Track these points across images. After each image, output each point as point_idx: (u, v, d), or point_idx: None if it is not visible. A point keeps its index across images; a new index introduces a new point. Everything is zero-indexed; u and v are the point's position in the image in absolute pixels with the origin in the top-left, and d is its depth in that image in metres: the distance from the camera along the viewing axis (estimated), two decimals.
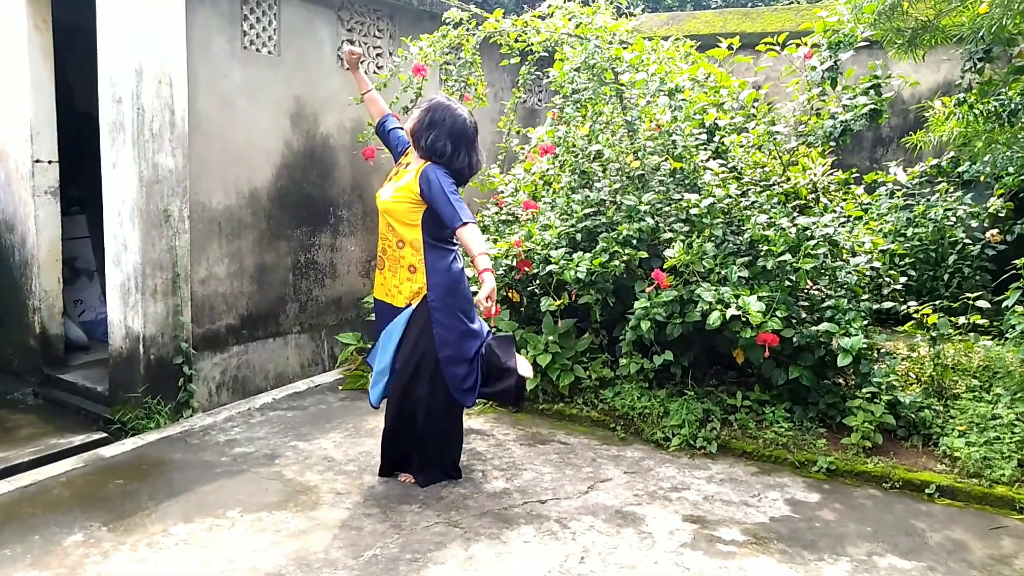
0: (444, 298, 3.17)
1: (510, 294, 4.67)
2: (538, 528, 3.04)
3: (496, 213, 5.15)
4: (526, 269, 4.47)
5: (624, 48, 4.51)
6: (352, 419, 4.19)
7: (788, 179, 4.67)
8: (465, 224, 3.03)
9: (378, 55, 5.37)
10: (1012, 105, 4.14)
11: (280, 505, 3.16)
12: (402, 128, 3.49)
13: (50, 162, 4.54)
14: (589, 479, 3.50)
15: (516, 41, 4.72)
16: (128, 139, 3.90)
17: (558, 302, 4.30)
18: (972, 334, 4.38)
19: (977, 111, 4.31)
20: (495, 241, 4.83)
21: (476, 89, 4.71)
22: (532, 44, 4.61)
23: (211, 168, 4.33)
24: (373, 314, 4.93)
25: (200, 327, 4.37)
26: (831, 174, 5.09)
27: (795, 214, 4.25)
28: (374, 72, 5.27)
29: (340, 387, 4.75)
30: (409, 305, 3.20)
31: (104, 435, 3.91)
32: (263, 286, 4.73)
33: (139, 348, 4.03)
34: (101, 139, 4.01)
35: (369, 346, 5.06)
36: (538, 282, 4.56)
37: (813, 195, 4.73)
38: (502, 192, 5.25)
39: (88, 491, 3.24)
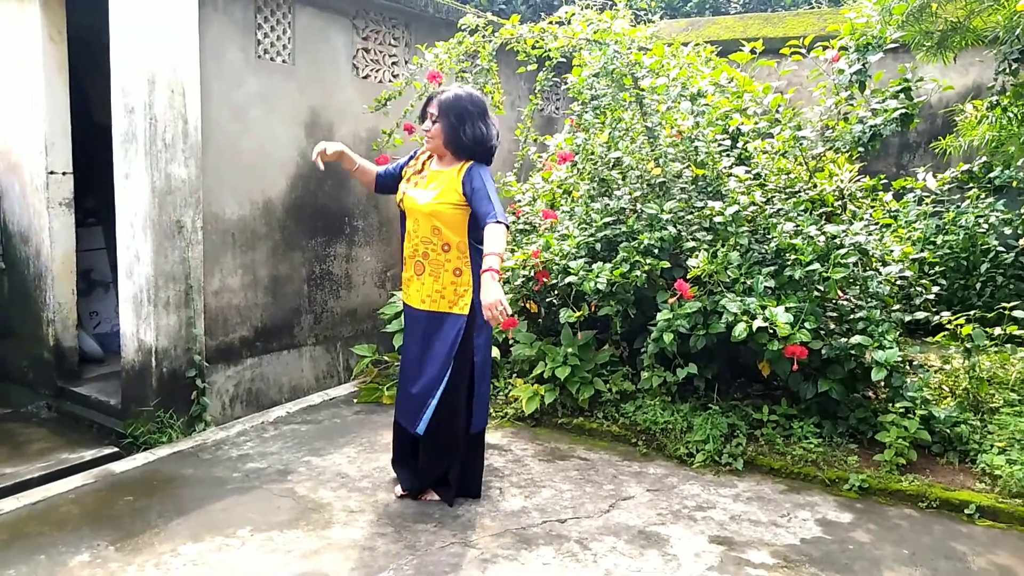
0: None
1: (528, 305, 4.57)
2: (558, 549, 2.92)
3: (513, 223, 5.06)
4: (544, 280, 4.37)
5: (644, 53, 4.41)
6: (367, 433, 4.10)
7: (814, 186, 4.53)
8: (499, 223, 2.93)
9: (393, 63, 5.31)
10: None
11: (292, 524, 3.07)
12: (389, 166, 3.38)
13: (64, 173, 4.51)
14: (610, 497, 3.38)
15: (533, 48, 4.64)
16: (140, 149, 3.85)
17: (577, 313, 4.19)
18: (1008, 345, 4.20)
19: (1012, 114, 4.17)
20: (512, 251, 4.73)
21: (493, 97, 4.63)
22: (550, 50, 4.53)
23: (224, 178, 4.28)
24: (390, 324, 4.87)
25: (213, 339, 4.30)
26: (858, 180, 4.95)
27: (822, 222, 4.12)
28: (389, 80, 5.21)
29: (355, 400, 4.67)
30: (451, 310, 3.12)
31: (115, 450, 3.85)
32: (277, 298, 4.66)
33: (151, 361, 3.97)
34: (114, 149, 3.96)
35: (385, 358, 4.98)
36: (557, 293, 4.46)
37: (840, 202, 4.59)
38: (519, 201, 5.16)
39: (97, 508, 3.17)
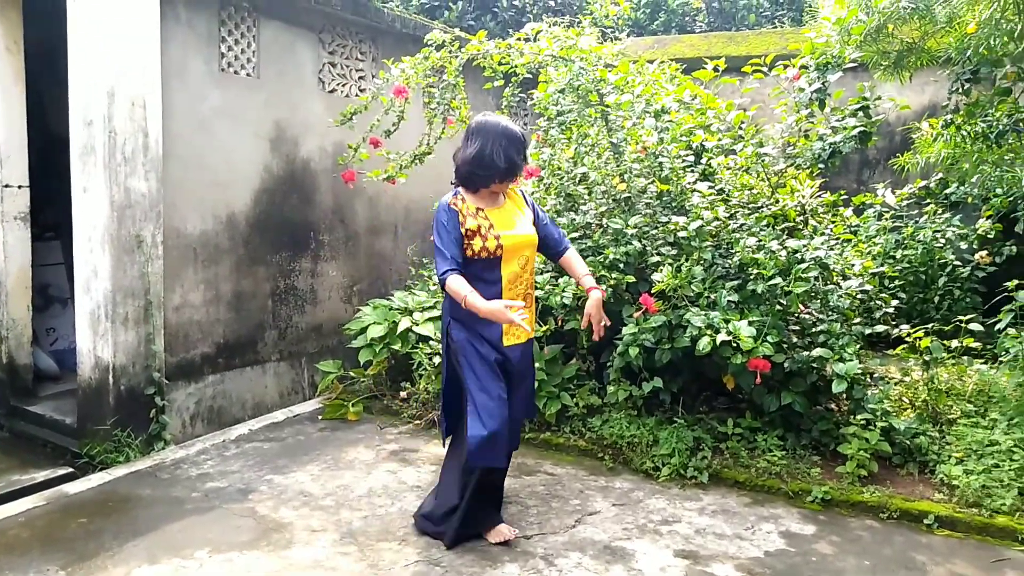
0: None
1: None
2: (523, 566, 2.90)
3: None
4: None
5: (609, 70, 4.46)
6: (331, 450, 4.04)
7: (776, 201, 4.60)
8: (568, 247, 3.21)
9: (361, 77, 5.30)
10: (999, 126, 4.11)
11: (252, 544, 3.01)
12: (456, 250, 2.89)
13: (20, 187, 4.41)
14: (577, 512, 3.37)
15: (500, 64, 4.66)
16: (99, 162, 3.78)
17: (544, 328, 4.19)
18: (965, 358, 4.30)
19: (965, 132, 4.27)
20: None
21: (460, 112, 4.63)
22: (516, 66, 4.55)
23: (187, 192, 4.22)
24: (355, 340, 4.79)
25: (174, 356, 4.22)
26: (819, 196, 5.04)
27: (784, 237, 4.18)
28: (356, 95, 5.20)
29: (320, 417, 4.60)
30: (533, 333, 3.19)
31: (70, 470, 3.75)
32: (241, 313, 4.60)
33: (109, 378, 3.88)
34: (72, 163, 3.89)
35: (351, 374, 4.92)
36: None
37: (802, 217, 4.67)
38: None
39: (48, 531, 3.07)
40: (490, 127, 2.93)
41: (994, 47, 3.67)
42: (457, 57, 4.46)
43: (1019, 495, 3.28)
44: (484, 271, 2.91)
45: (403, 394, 4.64)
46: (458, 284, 2.80)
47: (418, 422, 4.45)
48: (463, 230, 2.88)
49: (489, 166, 2.89)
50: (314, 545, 3.01)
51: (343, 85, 5.16)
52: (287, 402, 4.89)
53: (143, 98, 3.87)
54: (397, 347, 4.66)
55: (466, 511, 2.99)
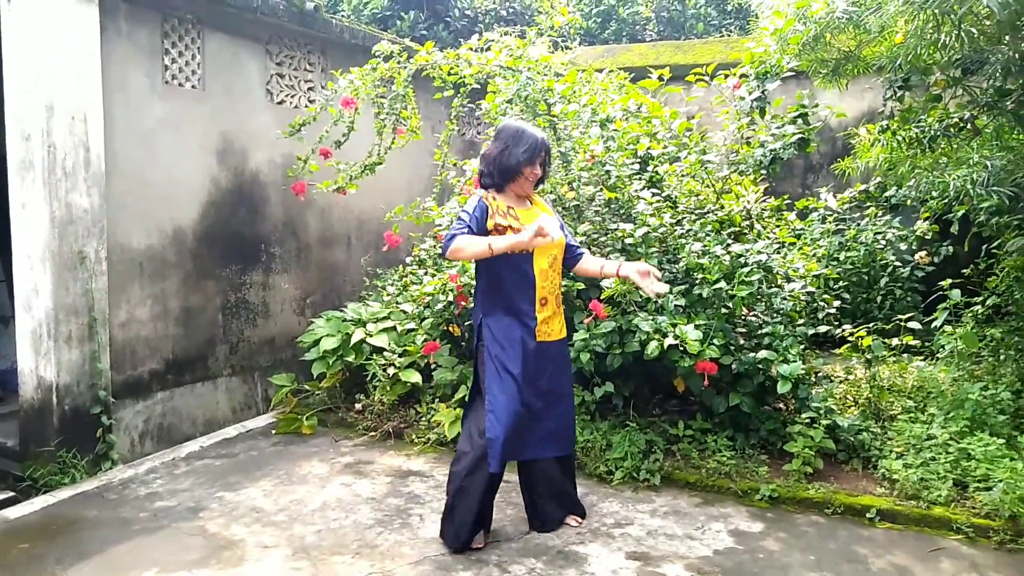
0: None
1: (450, 328, 4.58)
2: (477, 574, 2.91)
3: (432, 246, 5.07)
4: (464, 303, 4.38)
5: (557, 80, 4.51)
6: (284, 465, 4.00)
7: (722, 207, 4.71)
8: (584, 252, 3.29)
9: (310, 88, 5.27)
10: (931, 132, 4.27)
11: (201, 563, 2.96)
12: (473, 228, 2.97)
13: None
14: None
15: (449, 74, 4.68)
16: (38, 178, 3.70)
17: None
18: (905, 355, 4.44)
19: (900, 138, 4.43)
20: (432, 275, 4.73)
21: (410, 122, 4.65)
22: (464, 77, 4.58)
23: (131, 207, 4.15)
24: (309, 352, 4.76)
25: (121, 374, 4.14)
26: (764, 201, 5.17)
27: (729, 241, 4.28)
28: (306, 106, 5.17)
29: (273, 431, 4.55)
30: (563, 334, 3.21)
31: (11, 494, 3.65)
32: (190, 328, 4.53)
33: (52, 398, 3.79)
34: (9, 178, 3.80)
35: (305, 387, 4.88)
36: None
37: (747, 222, 4.78)
38: (439, 225, 5.17)
39: None
40: (511, 130, 3.07)
41: (921, 55, 3.82)
42: (406, 68, 4.47)
43: (954, 486, 3.40)
44: (517, 265, 3.00)
45: (358, 406, 4.62)
46: (471, 238, 2.86)
47: (373, 434, 4.44)
48: (491, 223, 2.96)
49: (512, 166, 3.01)
50: (265, 561, 2.98)
51: (292, 96, 5.13)
52: (240, 417, 4.83)
53: (83, 112, 3.80)
54: (351, 359, 4.64)
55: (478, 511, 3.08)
